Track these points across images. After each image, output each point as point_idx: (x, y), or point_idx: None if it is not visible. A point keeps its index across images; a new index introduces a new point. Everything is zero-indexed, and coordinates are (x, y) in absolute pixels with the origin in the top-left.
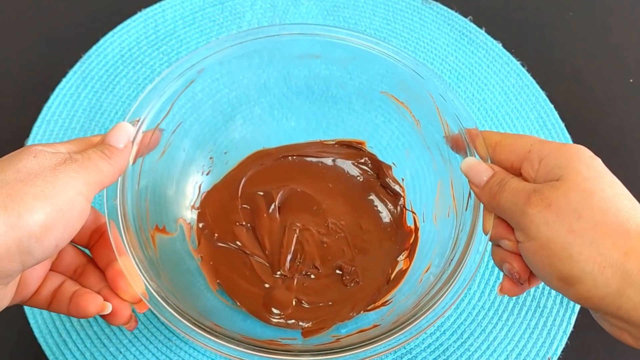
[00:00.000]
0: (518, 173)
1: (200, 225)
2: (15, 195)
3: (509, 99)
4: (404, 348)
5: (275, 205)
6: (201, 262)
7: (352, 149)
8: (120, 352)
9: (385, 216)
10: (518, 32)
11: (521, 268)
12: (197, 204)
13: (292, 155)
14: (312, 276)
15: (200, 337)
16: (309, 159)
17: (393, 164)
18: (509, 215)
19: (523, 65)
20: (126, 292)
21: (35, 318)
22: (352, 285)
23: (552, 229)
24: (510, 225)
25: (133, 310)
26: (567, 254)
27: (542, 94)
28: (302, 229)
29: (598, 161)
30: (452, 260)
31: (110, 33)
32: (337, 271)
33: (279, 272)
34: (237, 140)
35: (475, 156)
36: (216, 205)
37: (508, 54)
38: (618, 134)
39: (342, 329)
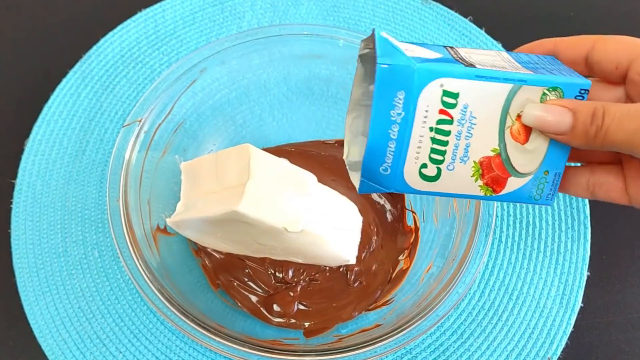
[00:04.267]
0: (620, 78)
1: None
2: None
3: None
4: (404, 348)
5: None
6: (201, 262)
7: None
8: (120, 352)
9: (386, 216)
10: (518, 33)
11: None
12: None
13: (293, 148)
14: (318, 281)
15: (204, 338)
16: (310, 149)
17: None
18: (627, 146)
19: None
20: None
21: (35, 318)
22: (357, 285)
23: None
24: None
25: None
26: None
27: None
28: None
29: None
30: (454, 260)
31: (110, 33)
32: (341, 270)
33: (281, 275)
34: (237, 141)
35: (537, 99)
36: None
37: None
38: None
39: (343, 329)
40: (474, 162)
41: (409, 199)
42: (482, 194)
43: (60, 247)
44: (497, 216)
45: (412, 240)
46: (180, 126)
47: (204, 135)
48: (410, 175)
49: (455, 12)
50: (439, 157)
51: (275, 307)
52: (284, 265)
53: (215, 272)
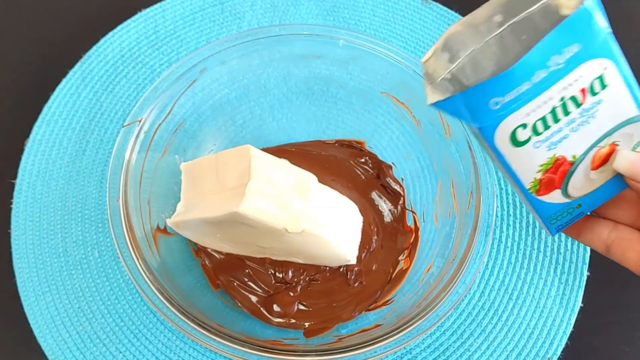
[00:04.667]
0: None
1: None
2: None
3: None
4: (404, 348)
5: None
6: (201, 262)
7: (353, 148)
8: (120, 352)
9: (386, 215)
10: None
11: None
12: None
13: (293, 148)
14: (318, 281)
15: (204, 338)
16: (310, 149)
17: (393, 164)
18: None
19: None
20: None
21: (35, 318)
22: (357, 285)
23: None
24: None
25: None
26: None
27: None
28: None
29: None
30: (454, 260)
31: (110, 33)
32: (341, 270)
33: (281, 275)
34: (237, 141)
35: (635, 141)
36: None
37: None
38: None
39: (343, 329)
40: (554, 155)
41: (409, 198)
42: (528, 187)
43: (60, 247)
44: (497, 216)
45: (412, 240)
46: (180, 126)
47: (204, 135)
48: (506, 126)
49: (455, 12)
50: (541, 129)
51: (275, 307)
52: (284, 265)
53: (215, 272)
